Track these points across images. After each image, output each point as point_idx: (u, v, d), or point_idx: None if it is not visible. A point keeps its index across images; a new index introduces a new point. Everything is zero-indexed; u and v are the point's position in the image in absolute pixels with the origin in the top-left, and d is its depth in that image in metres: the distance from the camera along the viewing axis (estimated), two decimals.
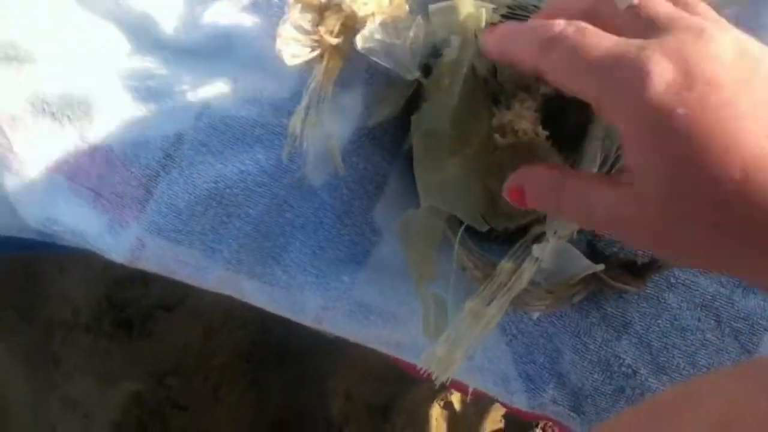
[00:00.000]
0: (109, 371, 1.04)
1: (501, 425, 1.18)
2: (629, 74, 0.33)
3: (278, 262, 0.49)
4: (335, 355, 1.06)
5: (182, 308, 1.04)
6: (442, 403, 1.15)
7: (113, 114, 0.49)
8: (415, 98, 0.49)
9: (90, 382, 1.04)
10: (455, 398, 1.16)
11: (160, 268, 0.49)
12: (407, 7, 0.46)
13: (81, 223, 0.49)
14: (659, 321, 0.50)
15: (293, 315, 0.51)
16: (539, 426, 1.18)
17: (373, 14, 0.45)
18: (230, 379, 1.06)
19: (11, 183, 0.49)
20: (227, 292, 0.50)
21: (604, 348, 0.51)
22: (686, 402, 0.27)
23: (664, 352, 0.50)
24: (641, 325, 0.51)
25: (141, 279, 1.01)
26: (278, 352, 1.03)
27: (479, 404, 1.17)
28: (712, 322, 0.50)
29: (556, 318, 0.50)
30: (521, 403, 0.52)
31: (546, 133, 0.43)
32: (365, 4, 0.45)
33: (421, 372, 0.47)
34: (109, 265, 0.52)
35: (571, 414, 0.52)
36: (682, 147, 0.32)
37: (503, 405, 0.56)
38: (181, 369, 1.05)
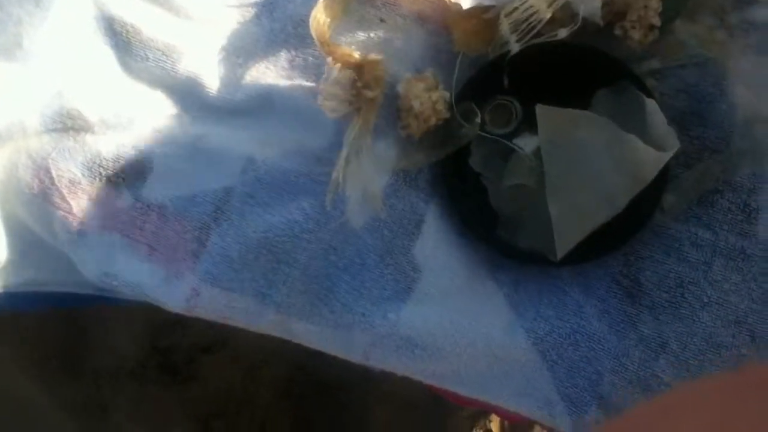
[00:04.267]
0: (156, 417, 1.06)
1: None
2: None
3: (326, 304, 0.51)
4: (372, 386, 1.07)
5: (223, 350, 1.06)
6: (481, 431, 1.15)
7: (164, 173, 0.53)
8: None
9: (138, 429, 1.07)
10: (494, 425, 1.16)
11: (215, 315, 0.52)
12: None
13: (138, 277, 0.52)
14: (695, 339, 0.52)
15: (342, 353, 0.53)
16: None
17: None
18: (274, 416, 1.07)
19: (71, 243, 0.53)
20: (278, 334, 0.53)
21: (643, 368, 0.52)
22: (683, 403, 0.29)
23: (702, 370, 0.52)
24: (677, 344, 0.52)
25: (182, 324, 1.04)
26: (316, 387, 1.05)
27: (518, 429, 1.17)
28: (747, 337, 0.52)
29: (594, 342, 0.52)
30: (565, 425, 0.54)
31: None
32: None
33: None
34: (150, 313, 0.54)
35: None
36: None
37: (545, 429, 0.58)
38: (225, 410, 1.07)
